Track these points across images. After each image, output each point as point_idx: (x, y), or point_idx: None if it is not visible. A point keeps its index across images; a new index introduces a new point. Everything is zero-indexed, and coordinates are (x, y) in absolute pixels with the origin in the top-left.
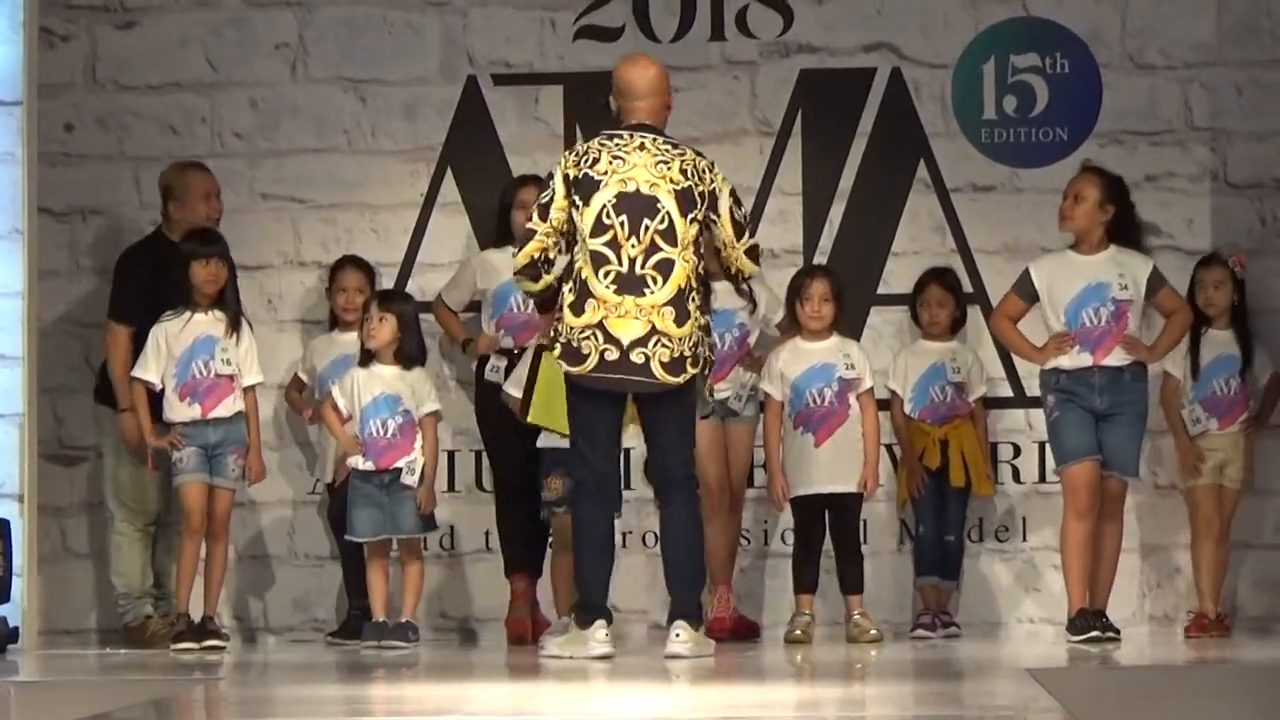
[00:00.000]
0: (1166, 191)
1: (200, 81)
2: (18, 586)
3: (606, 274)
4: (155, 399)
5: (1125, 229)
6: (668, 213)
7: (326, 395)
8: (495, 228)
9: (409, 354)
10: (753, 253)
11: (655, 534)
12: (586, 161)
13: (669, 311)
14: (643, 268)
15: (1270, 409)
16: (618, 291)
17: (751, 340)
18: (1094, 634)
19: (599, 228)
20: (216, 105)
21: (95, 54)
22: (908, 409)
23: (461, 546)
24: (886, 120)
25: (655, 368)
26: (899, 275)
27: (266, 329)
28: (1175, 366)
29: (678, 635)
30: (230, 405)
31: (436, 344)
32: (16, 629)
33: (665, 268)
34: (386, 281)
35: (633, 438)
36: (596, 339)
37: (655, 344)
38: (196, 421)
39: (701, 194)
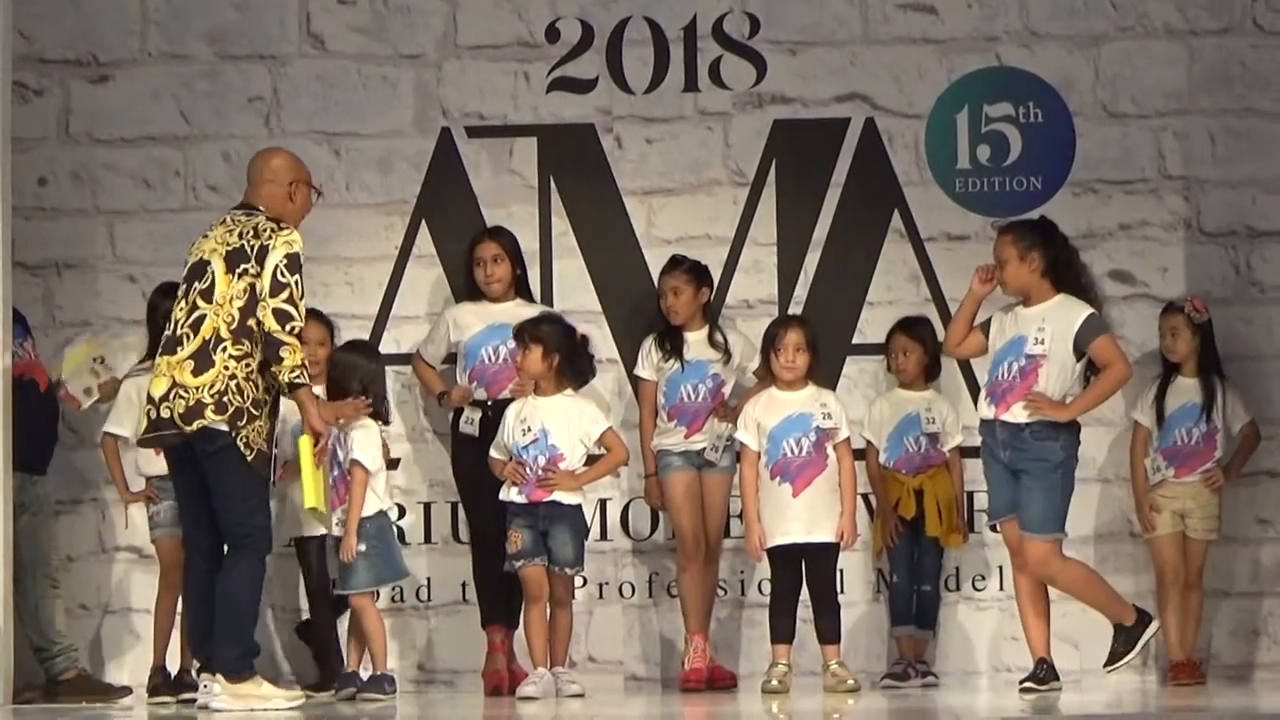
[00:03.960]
0: (1140, 240)
1: (174, 135)
2: None
3: None
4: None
5: (1065, 270)
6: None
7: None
8: (466, 281)
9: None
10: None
11: (632, 585)
12: None
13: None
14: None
15: (1244, 459)
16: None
17: (726, 390)
18: (1051, 684)
19: None
20: (190, 158)
21: (69, 108)
22: (882, 459)
23: (438, 598)
24: (860, 170)
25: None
26: (874, 325)
27: None
28: (1143, 415)
29: (214, 690)
30: None
31: (415, 396)
32: None
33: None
34: (362, 334)
35: (608, 489)
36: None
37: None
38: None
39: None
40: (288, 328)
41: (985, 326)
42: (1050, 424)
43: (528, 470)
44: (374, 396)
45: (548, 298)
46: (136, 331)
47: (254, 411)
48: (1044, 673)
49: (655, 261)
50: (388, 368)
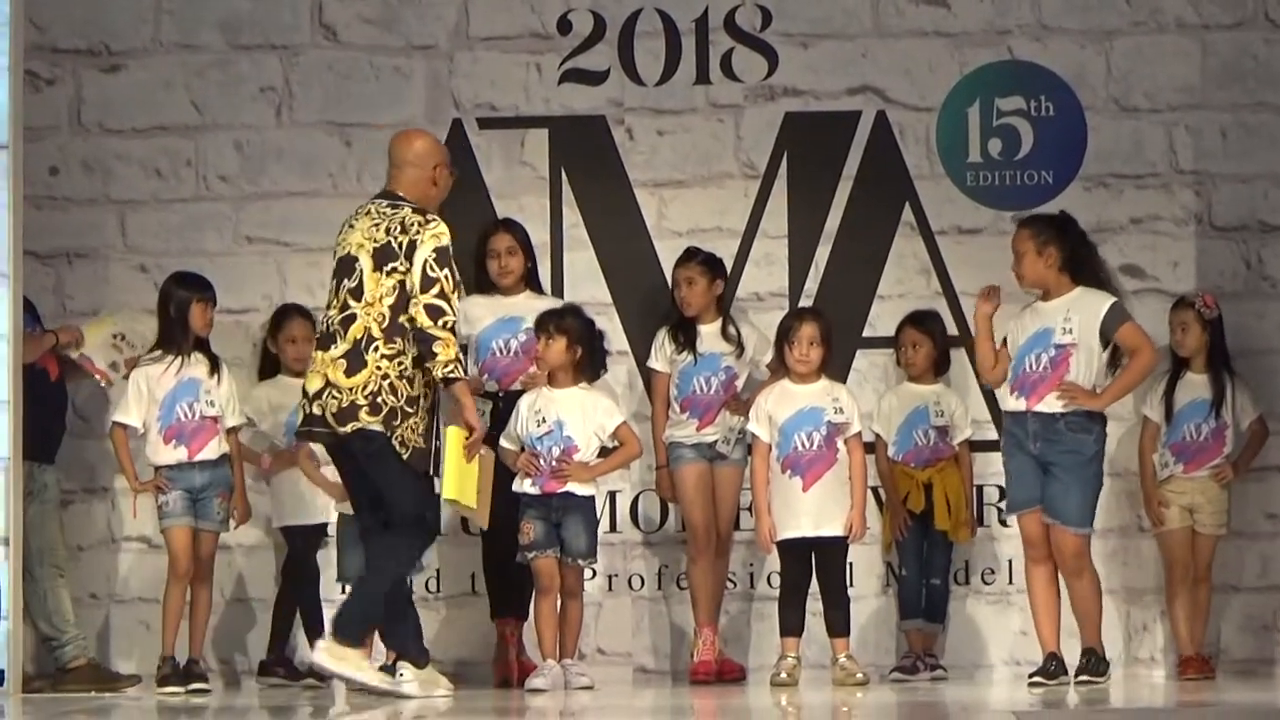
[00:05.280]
0: (1151, 234)
1: (185, 125)
2: (4, 629)
3: None
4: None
5: (1083, 266)
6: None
7: (305, 448)
8: (475, 273)
9: None
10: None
11: (641, 577)
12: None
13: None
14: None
15: (1252, 455)
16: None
17: (739, 384)
18: (1060, 678)
19: None
20: (201, 148)
21: (80, 97)
22: (891, 452)
23: (447, 589)
24: (872, 163)
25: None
26: (884, 318)
27: (250, 372)
28: (1153, 411)
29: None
30: (216, 448)
31: None
32: (2, 672)
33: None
34: None
35: (618, 481)
36: None
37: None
38: (182, 464)
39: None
40: (440, 322)
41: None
42: (1085, 415)
43: (541, 461)
44: None
45: (558, 289)
46: (144, 321)
47: (408, 410)
48: (1054, 667)
49: (666, 254)
50: None
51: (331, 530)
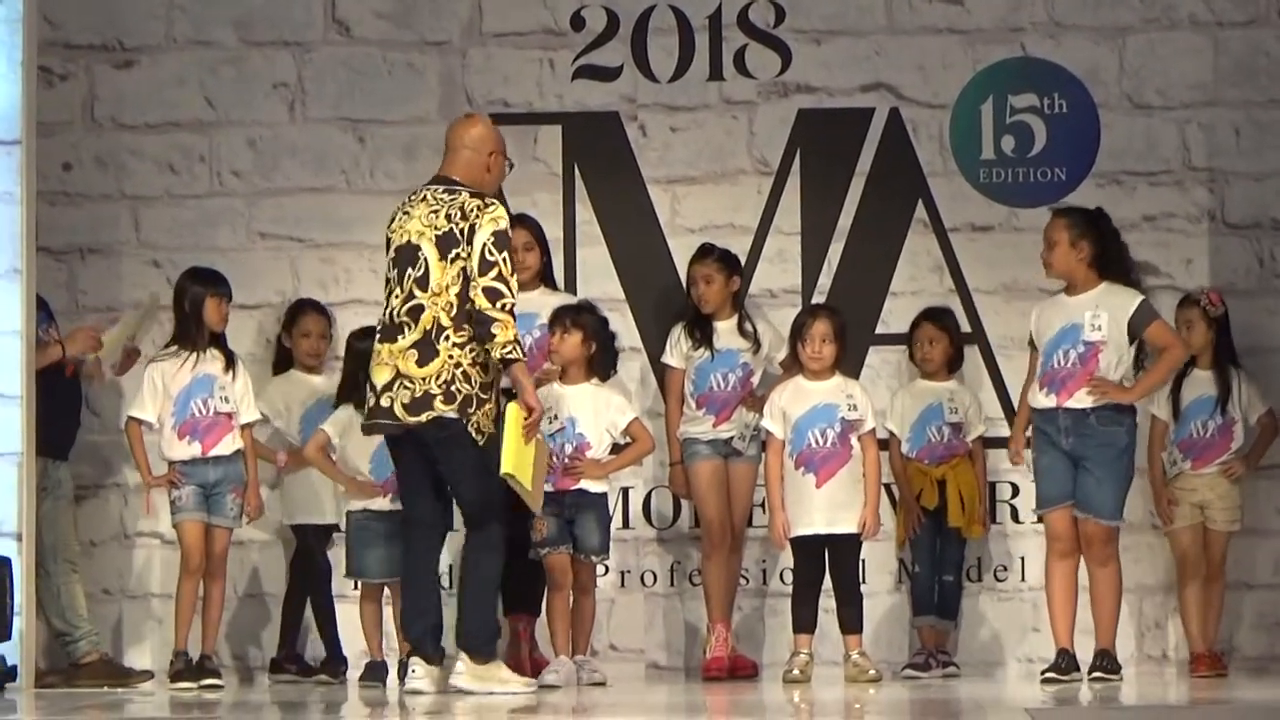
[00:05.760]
0: (1164, 232)
1: (198, 120)
2: (17, 625)
3: None
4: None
5: (1112, 261)
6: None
7: (316, 439)
8: None
9: None
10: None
11: (654, 573)
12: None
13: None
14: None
15: (1263, 449)
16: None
17: (755, 380)
18: (1073, 674)
19: None
20: (215, 144)
21: (94, 93)
22: (905, 449)
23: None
24: (885, 160)
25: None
26: (897, 315)
27: (264, 368)
28: (1160, 408)
29: (458, 669)
30: (230, 443)
31: None
32: (15, 667)
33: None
34: None
35: (631, 477)
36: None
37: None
38: (196, 460)
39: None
40: (498, 304)
41: (1031, 340)
42: (1115, 408)
43: (554, 458)
44: None
45: (571, 285)
46: (158, 316)
47: (482, 396)
48: (1065, 663)
49: (679, 250)
50: None
51: (343, 528)
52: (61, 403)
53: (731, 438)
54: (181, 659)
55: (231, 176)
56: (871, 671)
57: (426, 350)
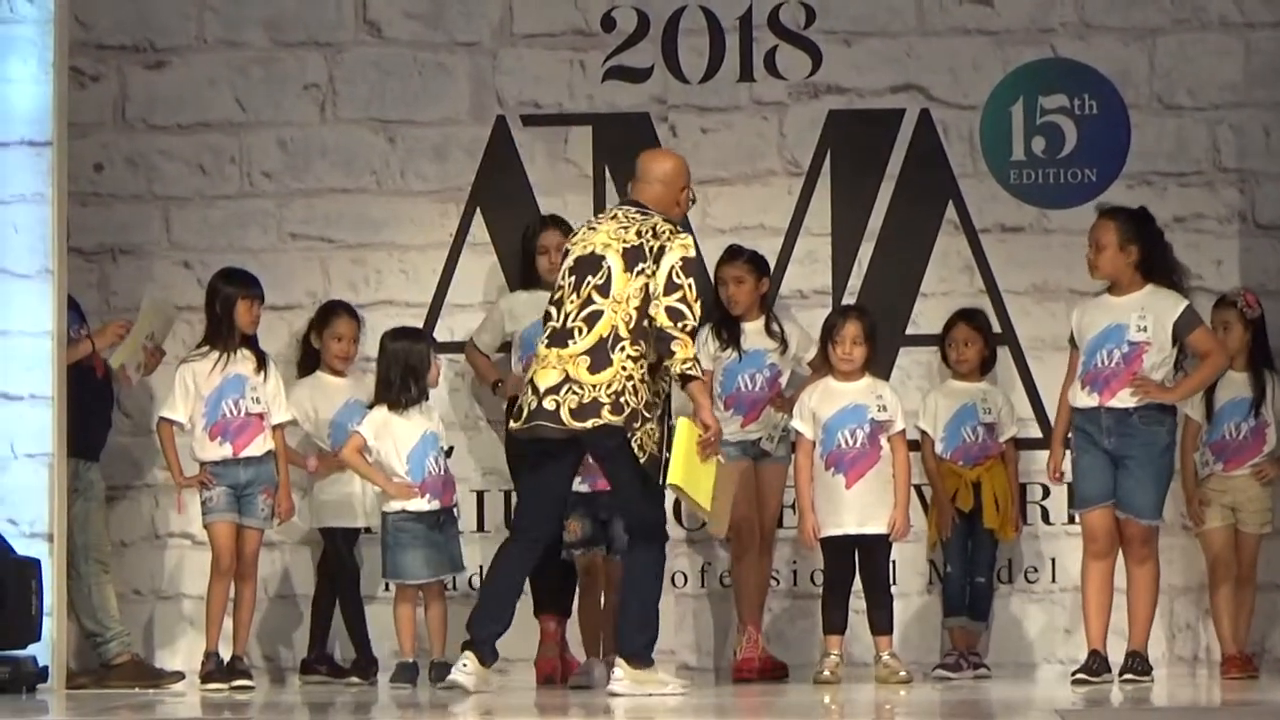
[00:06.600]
0: (1195, 233)
1: (229, 121)
2: (47, 626)
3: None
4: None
5: (1158, 264)
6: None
7: (353, 441)
8: (521, 270)
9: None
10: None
11: (685, 574)
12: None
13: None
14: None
15: None
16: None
17: (783, 381)
18: (1104, 676)
19: None
20: (245, 145)
21: (125, 94)
22: (939, 449)
23: None
24: (915, 161)
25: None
26: (928, 316)
27: (293, 369)
28: (1194, 410)
29: (616, 675)
30: (261, 444)
31: (468, 384)
32: (46, 668)
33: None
34: (416, 322)
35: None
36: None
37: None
38: (227, 461)
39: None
40: (680, 325)
41: (1071, 339)
42: (1157, 408)
43: (589, 460)
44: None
45: None
46: (187, 316)
47: (647, 414)
48: (1096, 664)
49: (709, 251)
50: (442, 356)
51: (375, 529)
52: (93, 404)
53: (759, 439)
54: (212, 660)
55: (262, 177)
56: (902, 673)
57: (600, 357)
